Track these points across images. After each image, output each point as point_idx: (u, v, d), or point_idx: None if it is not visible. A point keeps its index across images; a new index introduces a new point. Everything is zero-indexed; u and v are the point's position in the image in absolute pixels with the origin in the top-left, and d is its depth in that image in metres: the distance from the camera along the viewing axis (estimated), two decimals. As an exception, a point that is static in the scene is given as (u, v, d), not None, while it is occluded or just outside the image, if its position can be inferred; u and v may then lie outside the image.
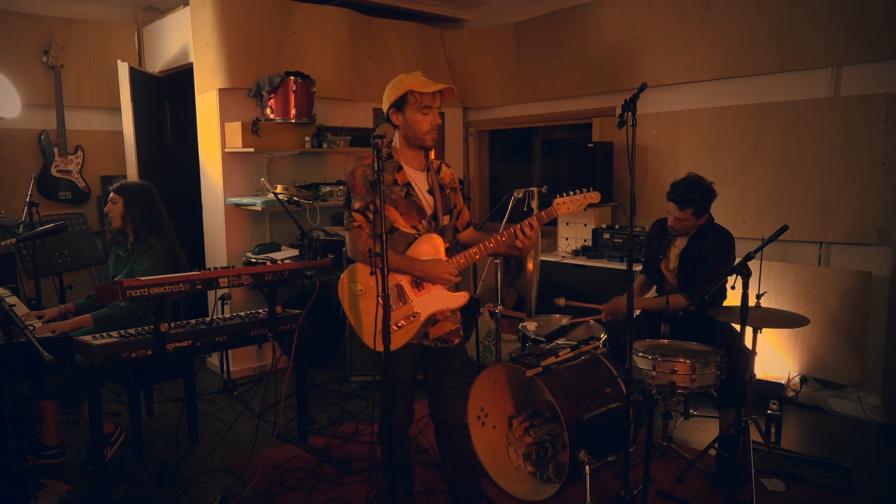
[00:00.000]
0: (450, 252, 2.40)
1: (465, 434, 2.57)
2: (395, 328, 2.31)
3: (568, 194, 2.35)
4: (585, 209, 2.41)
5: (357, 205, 2.33)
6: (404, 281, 2.34)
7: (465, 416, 2.54)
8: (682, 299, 3.07)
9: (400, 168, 2.36)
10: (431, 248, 2.34)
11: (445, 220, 2.42)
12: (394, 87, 2.30)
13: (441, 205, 2.39)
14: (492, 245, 2.33)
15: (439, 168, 2.48)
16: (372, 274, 2.08)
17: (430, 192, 2.40)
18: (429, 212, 2.37)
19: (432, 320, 2.40)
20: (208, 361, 4.74)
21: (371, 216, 2.32)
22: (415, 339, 2.36)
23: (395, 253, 2.29)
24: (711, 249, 3.07)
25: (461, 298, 2.39)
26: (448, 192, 2.46)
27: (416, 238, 2.36)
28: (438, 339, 2.43)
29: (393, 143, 2.39)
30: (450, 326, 2.45)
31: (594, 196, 2.37)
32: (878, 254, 3.65)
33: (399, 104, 2.29)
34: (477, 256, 2.35)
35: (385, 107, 2.34)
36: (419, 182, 2.38)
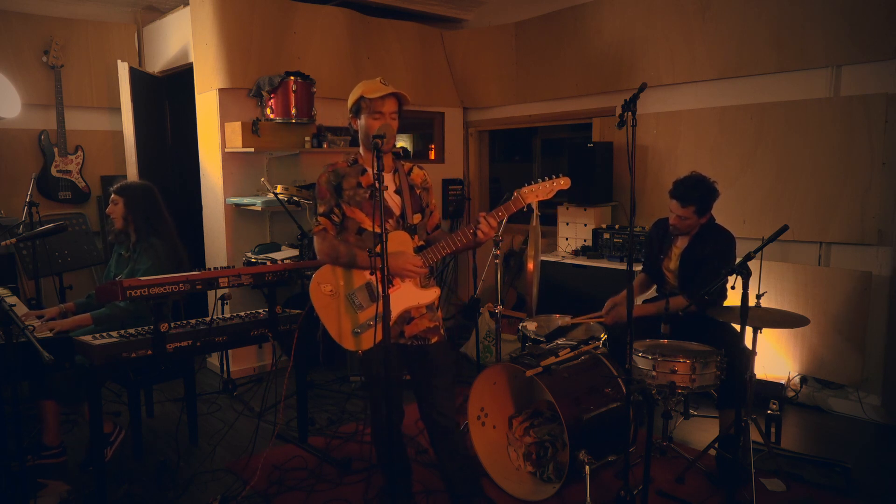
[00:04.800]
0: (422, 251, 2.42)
1: (460, 432, 2.57)
2: (369, 326, 2.36)
3: (535, 182, 2.32)
4: (555, 195, 2.36)
5: (321, 209, 2.42)
6: (374, 279, 2.36)
7: (456, 414, 2.54)
8: (683, 300, 3.06)
9: (364, 171, 2.44)
10: (399, 244, 2.37)
11: (416, 218, 2.47)
12: (352, 94, 2.39)
13: (410, 203, 2.45)
14: (461, 240, 2.34)
15: (410, 170, 2.54)
16: (372, 274, 2.15)
17: (398, 192, 2.45)
18: (396, 212, 2.43)
19: (406, 318, 2.44)
20: (208, 361, 4.74)
21: (336, 219, 2.41)
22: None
23: (359, 250, 2.35)
24: (713, 250, 3.07)
25: (431, 294, 2.44)
26: (419, 192, 2.51)
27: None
28: (414, 337, 2.46)
29: (359, 150, 2.48)
30: (426, 324, 2.47)
31: (563, 182, 2.34)
32: (878, 254, 3.65)
33: (356, 110, 2.40)
34: (446, 251, 2.37)
35: (348, 114, 2.44)
36: (385, 183, 2.41)
